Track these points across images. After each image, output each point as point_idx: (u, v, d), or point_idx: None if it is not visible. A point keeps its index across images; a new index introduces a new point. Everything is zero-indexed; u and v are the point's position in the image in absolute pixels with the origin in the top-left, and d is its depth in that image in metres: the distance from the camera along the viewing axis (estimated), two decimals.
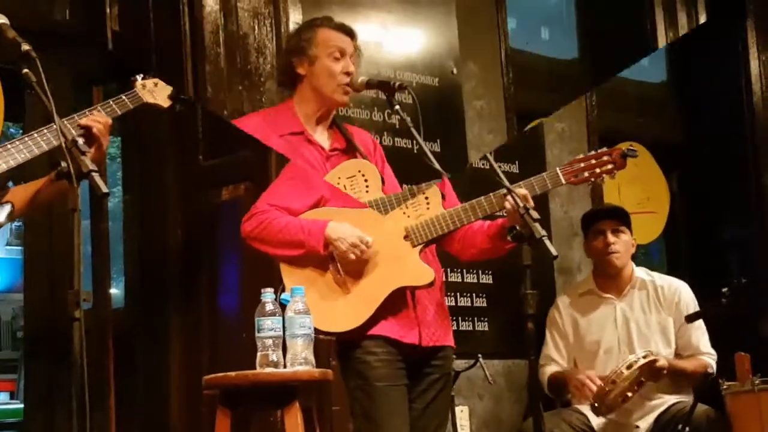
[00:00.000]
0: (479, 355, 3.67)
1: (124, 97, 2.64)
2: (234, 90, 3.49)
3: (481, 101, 4.44)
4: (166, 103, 2.75)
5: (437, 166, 2.58)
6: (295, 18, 3.66)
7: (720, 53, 5.22)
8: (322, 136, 2.82)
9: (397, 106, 2.72)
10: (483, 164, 3.90)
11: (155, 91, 2.73)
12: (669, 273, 4.11)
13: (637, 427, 3.52)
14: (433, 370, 2.75)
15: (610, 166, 2.70)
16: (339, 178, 2.73)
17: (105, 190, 2.11)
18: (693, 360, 3.70)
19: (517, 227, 2.53)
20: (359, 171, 2.73)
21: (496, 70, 4.53)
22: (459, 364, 3.48)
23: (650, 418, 3.61)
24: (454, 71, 4.30)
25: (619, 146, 2.75)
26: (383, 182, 2.77)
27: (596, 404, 3.48)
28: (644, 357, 3.45)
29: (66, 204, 2.16)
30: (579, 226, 4.20)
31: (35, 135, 2.40)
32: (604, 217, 3.78)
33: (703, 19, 5.27)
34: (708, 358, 3.71)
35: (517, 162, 4.15)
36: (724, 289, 3.53)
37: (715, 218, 5.23)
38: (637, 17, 5.26)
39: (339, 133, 2.84)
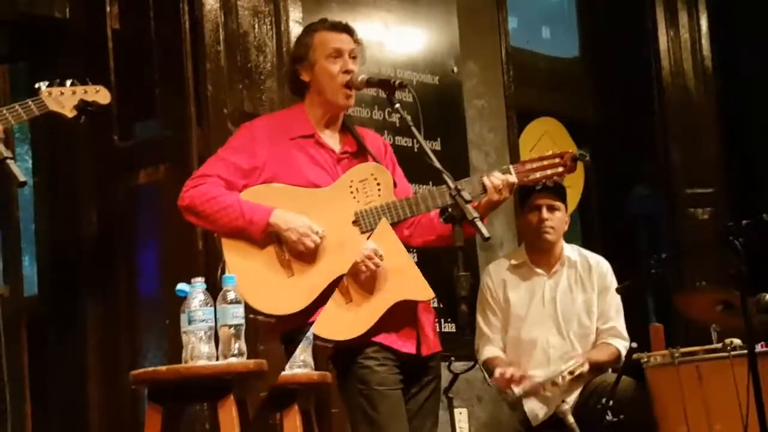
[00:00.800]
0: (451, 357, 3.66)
1: (30, 103, 2.62)
2: (234, 88, 3.48)
3: (481, 100, 4.44)
4: (71, 113, 2.73)
5: (438, 164, 2.57)
6: (295, 16, 3.66)
7: (630, 29, 5.29)
8: (333, 139, 2.82)
9: (398, 105, 2.71)
10: (406, 143, 3.88)
11: (61, 100, 2.70)
12: (584, 246, 4.14)
13: (564, 401, 3.55)
14: (427, 373, 2.78)
15: (560, 169, 2.73)
16: (351, 181, 2.72)
17: (22, 178, 2.04)
18: (605, 348, 3.72)
19: (449, 209, 2.53)
20: (371, 174, 2.73)
21: (497, 68, 4.53)
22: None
23: (575, 392, 3.65)
24: (455, 70, 4.30)
25: (570, 150, 2.78)
26: (395, 185, 2.77)
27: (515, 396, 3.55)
28: (570, 373, 3.49)
29: None
30: None
31: None
32: (541, 191, 3.78)
33: (704, 17, 5.29)
34: (619, 344, 3.72)
35: (439, 139, 4.13)
36: (652, 261, 3.55)
37: (625, 192, 5.38)
38: (637, 16, 5.26)
39: (350, 136, 2.84)
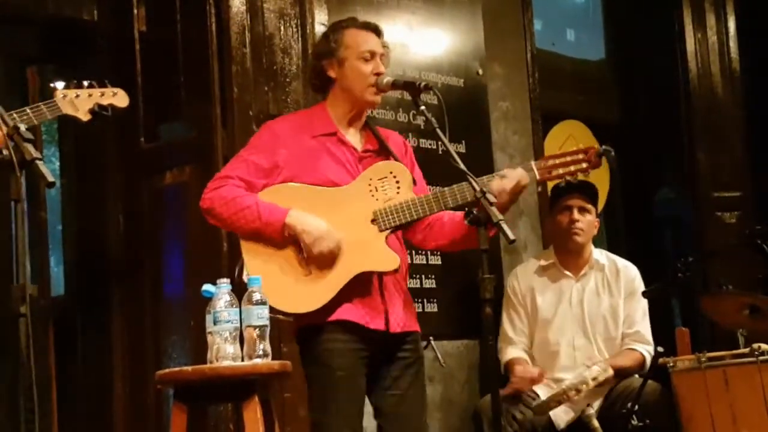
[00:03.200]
0: (430, 337, 3.65)
1: (42, 107, 2.57)
2: (260, 90, 3.49)
3: (506, 102, 4.43)
4: (85, 116, 2.69)
5: (462, 167, 2.57)
6: (320, 19, 3.66)
7: (657, 31, 5.25)
8: (355, 138, 2.82)
9: (423, 107, 2.71)
10: (430, 145, 3.86)
11: (76, 102, 2.65)
12: (609, 249, 4.12)
13: (589, 405, 3.52)
14: (404, 355, 2.75)
15: (584, 165, 2.69)
16: (371, 179, 2.73)
17: (51, 179, 2.01)
18: (629, 354, 3.70)
19: (474, 211, 2.51)
20: (391, 172, 2.73)
21: (522, 70, 4.51)
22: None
23: (600, 397, 3.62)
24: (480, 72, 4.29)
25: (594, 146, 2.72)
26: (415, 184, 2.76)
27: (538, 403, 3.50)
28: (594, 379, 3.45)
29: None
30: (524, 205, 4.27)
31: None
32: (574, 192, 3.75)
33: (731, 19, 5.25)
34: (644, 350, 3.70)
35: (463, 142, 4.11)
36: (679, 264, 3.52)
37: (650, 195, 5.34)
38: (664, 17, 5.23)
39: (372, 135, 2.84)
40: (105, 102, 2.72)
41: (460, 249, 2.86)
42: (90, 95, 2.68)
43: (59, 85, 2.64)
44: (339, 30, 2.81)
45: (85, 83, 2.69)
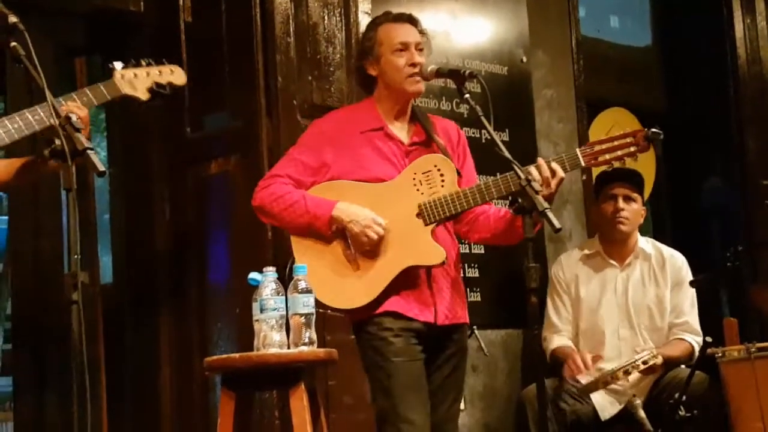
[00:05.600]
0: (474, 327, 3.63)
1: (101, 87, 2.55)
2: (304, 80, 3.50)
3: (551, 90, 4.39)
4: (144, 95, 2.65)
5: (507, 155, 2.55)
6: (364, 8, 3.66)
7: (704, 17, 5.15)
8: (402, 131, 2.84)
9: (467, 95, 2.70)
10: (474, 134, 3.82)
11: (135, 82, 2.63)
12: (655, 238, 4.06)
13: (634, 395, 3.48)
14: (449, 345, 2.77)
15: (632, 149, 2.63)
16: (415, 173, 2.74)
17: (102, 168, 2.02)
18: (678, 344, 3.65)
19: (519, 200, 2.49)
20: (435, 166, 2.73)
21: (567, 58, 4.47)
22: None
23: (645, 388, 3.59)
24: (524, 60, 4.26)
25: (642, 129, 2.66)
26: (460, 176, 2.76)
27: (583, 385, 3.47)
28: (644, 363, 3.40)
29: (51, 179, 2.07)
30: (569, 193, 4.22)
31: (26, 113, 2.32)
32: (619, 180, 3.69)
33: None
34: (693, 340, 3.65)
35: (507, 130, 4.07)
36: (728, 254, 3.46)
37: (698, 184, 5.24)
38: (712, 2, 5.14)
39: (420, 127, 2.85)
40: (163, 81, 2.69)
41: (502, 243, 2.86)
42: (148, 74, 2.67)
43: (118, 65, 2.62)
44: (373, 28, 2.85)
45: (144, 62, 2.67)
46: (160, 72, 2.71)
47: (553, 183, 2.61)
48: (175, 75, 2.75)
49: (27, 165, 2.52)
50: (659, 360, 3.46)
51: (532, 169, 2.61)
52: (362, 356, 2.74)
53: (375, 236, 2.65)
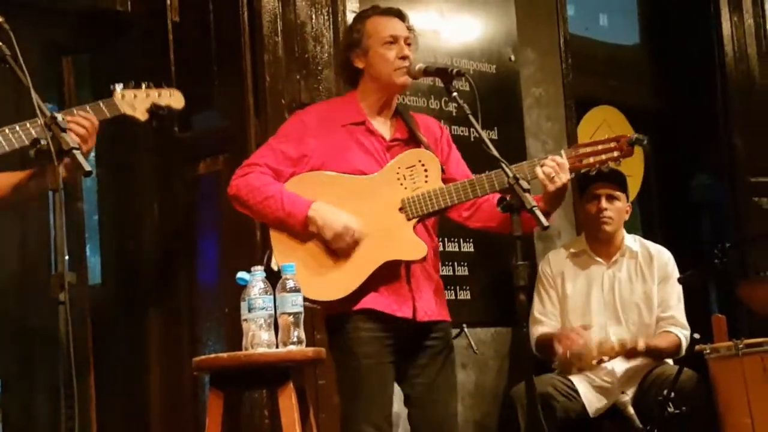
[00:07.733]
0: (463, 325, 3.64)
1: (101, 105, 2.58)
2: (292, 79, 3.50)
3: (539, 88, 4.39)
4: (143, 116, 2.69)
5: (495, 153, 2.56)
6: (352, 6, 3.66)
7: (692, 15, 5.17)
8: (384, 126, 2.83)
9: (455, 94, 2.70)
10: (462, 132, 3.83)
11: (134, 103, 2.67)
12: (644, 236, 4.07)
13: (623, 392, 3.49)
14: (432, 343, 2.76)
15: (616, 154, 2.66)
16: (399, 168, 2.73)
17: (88, 168, 2.03)
18: (665, 336, 3.66)
19: (507, 198, 2.50)
20: (419, 161, 2.73)
21: (555, 56, 4.47)
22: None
23: (634, 384, 3.59)
24: (512, 58, 4.27)
25: (626, 135, 2.69)
26: (443, 171, 2.76)
27: (569, 358, 3.45)
28: (619, 341, 3.40)
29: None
30: None
31: (16, 128, 2.32)
32: (602, 180, 3.71)
33: None
34: (680, 333, 3.66)
35: (496, 128, 4.07)
36: (716, 251, 3.47)
37: (686, 181, 5.27)
38: (700, 1, 5.15)
39: (402, 123, 2.85)
40: (162, 102, 2.74)
41: (508, 232, 2.83)
42: (147, 95, 2.71)
43: (118, 86, 2.66)
44: (361, 20, 2.84)
45: (143, 84, 2.71)
46: (159, 94, 2.74)
47: (562, 174, 2.61)
48: (174, 98, 2.78)
49: (26, 179, 2.50)
50: (641, 345, 3.45)
51: (537, 170, 2.62)
52: (333, 353, 2.73)
53: (344, 246, 2.65)
